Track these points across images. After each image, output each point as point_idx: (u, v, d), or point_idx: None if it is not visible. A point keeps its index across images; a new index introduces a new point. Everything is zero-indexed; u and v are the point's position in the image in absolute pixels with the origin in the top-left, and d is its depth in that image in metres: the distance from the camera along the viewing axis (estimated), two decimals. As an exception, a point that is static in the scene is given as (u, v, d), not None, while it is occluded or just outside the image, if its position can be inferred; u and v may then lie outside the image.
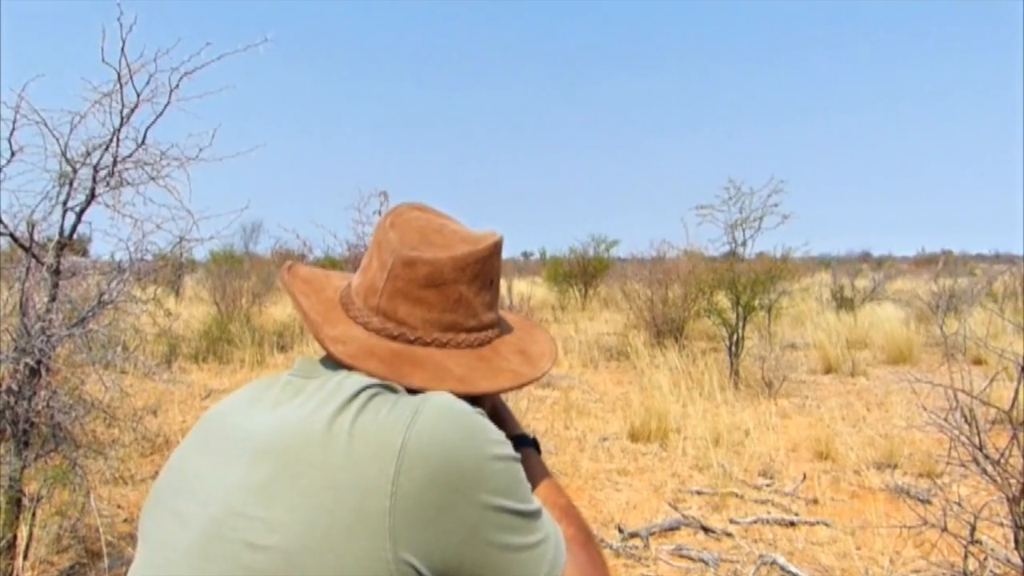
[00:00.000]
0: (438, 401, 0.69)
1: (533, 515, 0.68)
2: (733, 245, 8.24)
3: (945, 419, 1.96)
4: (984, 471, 1.85)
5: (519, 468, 0.69)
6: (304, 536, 0.60)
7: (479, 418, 0.69)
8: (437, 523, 0.62)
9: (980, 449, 1.86)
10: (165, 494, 0.73)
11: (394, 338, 0.80)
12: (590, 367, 8.70)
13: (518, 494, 0.67)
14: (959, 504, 2.08)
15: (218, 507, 0.65)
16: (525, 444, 0.86)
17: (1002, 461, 1.87)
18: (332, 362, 0.78)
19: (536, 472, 0.82)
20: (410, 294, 0.80)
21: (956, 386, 2.12)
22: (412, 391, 0.73)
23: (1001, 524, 2.02)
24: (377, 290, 0.81)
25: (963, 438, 1.96)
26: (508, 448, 0.69)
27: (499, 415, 0.90)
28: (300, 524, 0.61)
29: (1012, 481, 1.81)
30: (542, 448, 0.92)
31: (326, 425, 0.65)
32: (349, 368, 0.75)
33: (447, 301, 0.80)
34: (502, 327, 0.90)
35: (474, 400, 0.74)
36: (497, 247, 0.84)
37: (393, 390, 0.72)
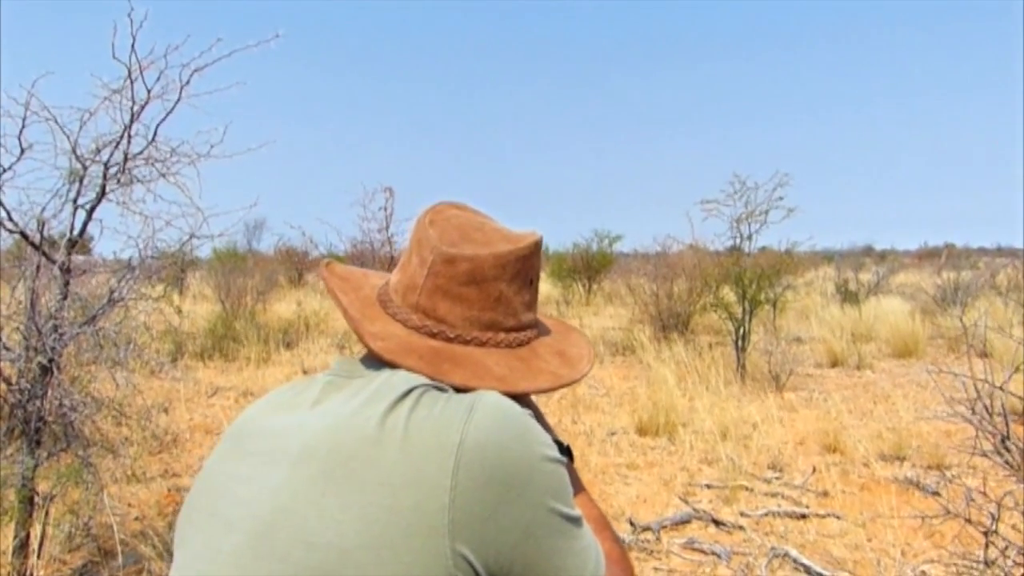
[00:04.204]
0: (492, 400, 0.68)
1: (578, 521, 0.68)
2: (738, 239, 8.22)
3: (972, 410, 1.96)
4: (1007, 462, 1.85)
5: (566, 473, 0.69)
6: (360, 533, 0.60)
7: (530, 420, 0.69)
8: (494, 520, 0.62)
9: (1006, 438, 1.86)
10: (203, 500, 0.72)
11: (433, 335, 0.79)
12: (596, 362, 8.68)
13: (566, 498, 0.67)
14: (984, 493, 2.07)
15: (265, 507, 0.64)
16: (560, 451, 0.86)
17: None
18: (372, 361, 0.77)
19: (572, 480, 0.81)
20: (450, 291, 0.79)
21: (973, 377, 2.11)
22: (459, 390, 0.73)
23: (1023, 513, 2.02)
24: (417, 287, 0.80)
25: (982, 427, 1.95)
26: (556, 451, 0.69)
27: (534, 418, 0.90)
28: (355, 521, 0.60)
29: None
30: None
31: (379, 422, 0.65)
32: (390, 365, 0.75)
33: (487, 299, 0.80)
34: (540, 328, 0.89)
35: (517, 401, 0.74)
36: (537, 246, 0.84)
37: (442, 389, 0.71)
